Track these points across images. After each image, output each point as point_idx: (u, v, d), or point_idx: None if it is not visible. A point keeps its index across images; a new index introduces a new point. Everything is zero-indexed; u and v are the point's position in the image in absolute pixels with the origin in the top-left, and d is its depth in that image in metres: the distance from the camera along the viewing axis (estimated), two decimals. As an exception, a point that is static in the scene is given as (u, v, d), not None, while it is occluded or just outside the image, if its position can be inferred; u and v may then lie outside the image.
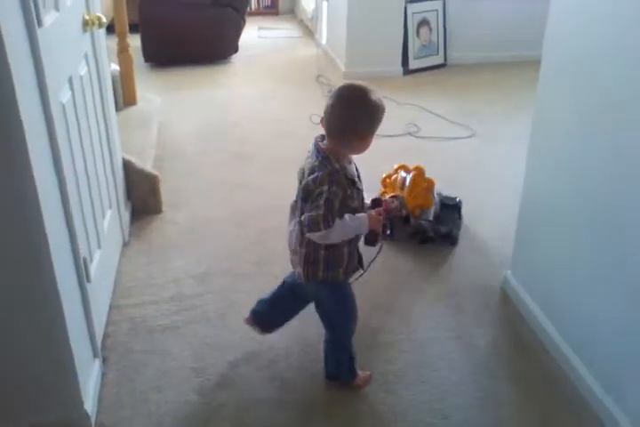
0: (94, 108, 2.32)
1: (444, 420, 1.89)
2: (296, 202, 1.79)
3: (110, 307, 2.35)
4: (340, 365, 1.99)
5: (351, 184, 1.73)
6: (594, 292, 1.91)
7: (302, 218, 1.71)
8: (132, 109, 3.99)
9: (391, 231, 1.99)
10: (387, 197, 1.97)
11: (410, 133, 4.08)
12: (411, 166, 2.85)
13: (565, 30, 2.01)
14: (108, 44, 2.71)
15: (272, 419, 1.90)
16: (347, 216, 1.72)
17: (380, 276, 2.59)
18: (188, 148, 3.89)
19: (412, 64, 5.46)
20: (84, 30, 2.23)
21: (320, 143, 1.73)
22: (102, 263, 2.23)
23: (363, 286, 2.49)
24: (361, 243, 1.88)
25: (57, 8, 1.83)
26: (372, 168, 3.01)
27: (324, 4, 6.10)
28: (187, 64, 5.62)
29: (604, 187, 1.82)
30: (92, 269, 2.04)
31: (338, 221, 1.69)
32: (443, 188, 3.02)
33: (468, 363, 2.12)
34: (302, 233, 1.75)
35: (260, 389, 2.01)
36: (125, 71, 4.03)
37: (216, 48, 5.75)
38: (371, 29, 5.18)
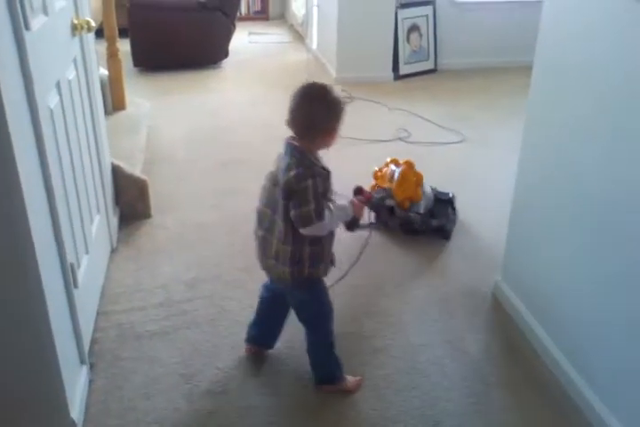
0: (83, 113, 2.30)
1: (436, 426, 1.88)
2: (265, 206, 1.84)
3: (98, 313, 2.33)
4: (328, 367, 2.01)
5: (327, 177, 1.79)
6: (585, 297, 1.91)
7: (292, 215, 1.74)
8: (121, 114, 3.97)
9: (376, 220, 2.13)
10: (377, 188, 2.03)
11: (400, 139, 4.08)
12: (401, 161, 2.89)
13: (557, 36, 2.01)
14: (97, 48, 2.69)
15: (263, 425, 1.88)
16: (332, 206, 1.80)
17: (370, 281, 2.58)
18: (178, 153, 3.88)
19: (403, 69, 5.47)
20: (73, 34, 2.22)
21: (293, 142, 1.79)
22: (90, 269, 2.21)
23: (353, 292, 2.50)
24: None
25: (45, 12, 1.82)
26: (363, 174, 3.01)
27: (315, 10, 6.10)
28: (176, 69, 5.60)
29: (597, 192, 1.82)
30: (80, 274, 2.02)
31: (326, 211, 1.76)
32: (433, 193, 3.02)
33: (460, 369, 2.11)
34: (286, 233, 1.78)
35: (250, 395, 1.99)
36: (114, 76, 4.01)
37: (206, 53, 5.74)
38: (361, 35, 5.18)
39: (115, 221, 2.84)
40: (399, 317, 2.37)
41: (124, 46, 4.66)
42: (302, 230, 1.75)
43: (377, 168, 2.95)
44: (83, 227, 2.15)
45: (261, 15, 8.06)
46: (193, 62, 5.70)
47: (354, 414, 1.92)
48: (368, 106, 4.72)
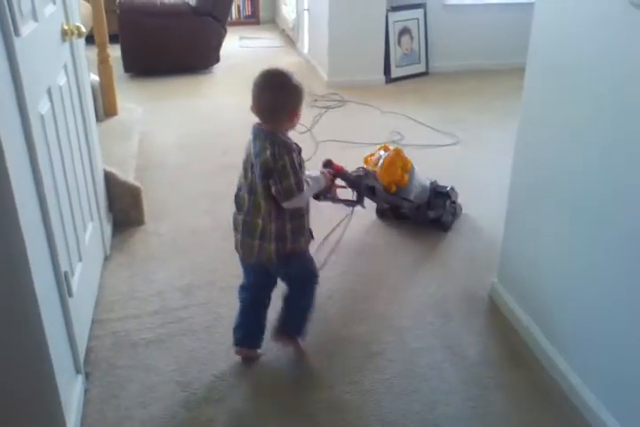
0: (74, 120, 2.28)
1: (436, 431, 1.87)
2: (244, 192, 1.97)
3: (93, 321, 2.31)
4: (301, 322, 2.12)
5: (300, 152, 1.93)
6: (583, 299, 1.90)
7: (274, 191, 1.87)
8: (112, 120, 3.95)
9: (358, 198, 2.50)
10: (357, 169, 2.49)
11: (393, 141, 4.06)
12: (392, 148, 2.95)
13: (550, 38, 2.01)
14: (87, 54, 2.68)
15: (260, 433, 1.87)
16: (306, 177, 1.96)
17: (366, 286, 2.57)
18: (171, 158, 3.86)
19: (395, 72, 5.47)
20: (64, 40, 2.20)
21: (262, 127, 1.92)
22: (84, 277, 2.19)
23: (350, 296, 2.49)
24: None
25: (35, 18, 1.80)
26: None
27: (305, 14, 6.10)
28: (168, 74, 5.59)
29: (593, 193, 1.82)
30: (74, 282, 2.00)
31: (304, 183, 1.91)
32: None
33: (459, 372, 2.10)
34: (270, 211, 1.91)
35: (248, 402, 1.97)
36: (106, 81, 3.99)
37: (197, 58, 5.73)
38: (352, 38, 5.18)
39: (108, 228, 2.82)
40: (396, 321, 2.35)
41: (115, 52, 4.64)
42: (285, 204, 1.89)
43: (368, 153, 3.00)
44: (76, 234, 2.13)
45: (252, 20, 8.05)
46: (184, 67, 5.69)
47: (354, 418, 1.91)
48: (360, 109, 4.71)
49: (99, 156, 2.76)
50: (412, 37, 5.55)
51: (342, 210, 3.08)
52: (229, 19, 6.38)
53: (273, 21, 8.05)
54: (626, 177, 1.66)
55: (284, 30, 7.39)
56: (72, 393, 1.86)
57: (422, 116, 4.49)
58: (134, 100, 4.65)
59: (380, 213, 3.12)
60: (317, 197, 2.21)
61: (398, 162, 2.80)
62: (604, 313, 1.80)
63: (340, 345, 2.22)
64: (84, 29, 2.32)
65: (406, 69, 5.55)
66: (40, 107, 1.78)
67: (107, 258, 2.73)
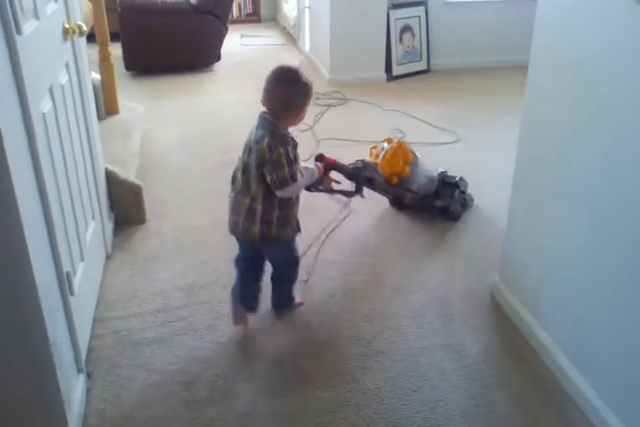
0: (76, 118, 2.28)
1: (438, 430, 1.87)
2: (239, 172, 2.10)
3: (94, 320, 2.31)
4: (289, 296, 2.34)
5: (296, 146, 2.05)
6: (584, 296, 1.90)
7: (269, 180, 2.00)
8: (114, 119, 3.94)
9: (357, 188, 2.63)
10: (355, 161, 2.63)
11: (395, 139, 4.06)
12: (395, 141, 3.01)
13: (554, 35, 2.00)
14: (88, 53, 2.67)
15: (263, 432, 1.87)
16: (301, 169, 2.08)
17: (367, 285, 2.57)
18: (172, 156, 3.85)
19: (396, 70, 5.46)
20: (65, 39, 2.20)
21: (267, 116, 2.03)
22: (86, 276, 2.18)
23: (350, 296, 2.48)
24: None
25: (37, 16, 1.80)
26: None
27: (307, 11, 6.08)
28: (169, 72, 5.58)
29: (596, 190, 1.81)
30: (76, 282, 2.00)
31: (298, 174, 2.04)
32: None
33: (460, 371, 2.09)
34: (260, 194, 2.04)
35: (250, 401, 1.97)
36: (107, 80, 3.98)
37: (198, 56, 5.72)
38: (354, 36, 5.16)
39: (110, 227, 2.82)
40: (397, 320, 2.35)
41: (116, 50, 4.63)
42: (279, 192, 2.02)
43: (373, 145, 3.04)
44: (78, 234, 2.12)
45: (253, 17, 8.03)
46: (185, 66, 5.68)
47: (356, 417, 1.90)
48: (362, 107, 4.71)
49: (100, 154, 2.76)
50: (414, 35, 5.53)
51: (342, 209, 3.09)
52: (230, 17, 6.37)
53: (274, 19, 8.03)
54: (628, 174, 1.65)
55: (285, 28, 7.38)
56: (74, 393, 1.86)
57: (424, 114, 4.49)
58: (135, 98, 4.64)
59: (393, 203, 3.18)
60: (309, 188, 2.32)
61: (400, 154, 2.84)
62: (608, 311, 1.79)
63: (341, 344, 2.22)
64: (85, 28, 2.31)
65: (408, 67, 5.54)
66: (42, 106, 1.78)
67: (108, 257, 2.72)
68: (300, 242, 2.59)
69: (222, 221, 2.63)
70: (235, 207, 2.14)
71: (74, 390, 1.87)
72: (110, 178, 2.88)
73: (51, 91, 1.91)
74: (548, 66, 2.03)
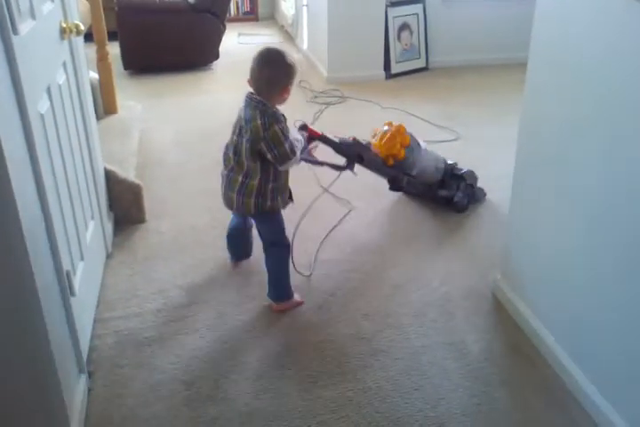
0: (74, 118, 2.27)
1: (440, 428, 1.86)
2: (230, 152, 2.24)
3: (95, 320, 2.30)
4: (284, 281, 2.38)
5: (285, 121, 2.16)
6: (586, 295, 1.89)
7: (270, 157, 2.13)
8: (112, 118, 3.94)
9: (348, 164, 2.69)
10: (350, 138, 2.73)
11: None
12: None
13: (553, 32, 1.99)
14: (86, 52, 2.66)
15: (264, 432, 1.86)
16: (292, 139, 2.19)
17: (367, 283, 2.56)
18: (171, 155, 3.85)
19: (395, 68, 5.46)
20: (62, 38, 2.19)
21: (255, 96, 2.15)
22: (86, 276, 2.18)
23: (351, 294, 2.48)
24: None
25: (33, 16, 1.79)
26: (360, 172, 2.99)
27: (304, 9, 6.07)
28: (167, 71, 5.57)
29: (596, 187, 1.81)
30: (76, 282, 1.99)
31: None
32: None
33: (462, 369, 2.09)
34: (254, 170, 2.17)
35: (252, 400, 1.96)
36: (105, 79, 3.97)
37: (196, 55, 5.71)
38: (352, 34, 5.16)
39: (109, 226, 2.81)
40: (399, 318, 2.34)
41: (114, 49, 4.62)
42: (282, 167, 2.18)
43: (374, 128, 3.07)
44: (77, 233, 2.12)
45: (251, 16, 8.02)
46: (183, 64, 5.67)
47: (357, 416, 1.90)
48: (360, 105, 4.70)
49: (99, 154, 2.75)
50: (412, 32, 5.53)
51: (344, 207, 3.08)
52: (228, 15, 6.36)
53: (272, 17, 8.02)
54: (630, 170, 1.65)
55: (282, 26, 7.37)
56: (75, 393, 1.86)
57: (422, 112, 4.48)
58: (134, 97, 4.63)
59: (390, 185, 3.18)
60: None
61: (398, 137, 2.89)
62: (609, 309, 1.79)
63: (342, 343, 2.21)
64: (82, 27, 2.30)
65: (406, 65, 5.53)
66: (40, 106, 1.77)
67: (108, 256, 2.72)
68: (301, 240, 2.60)
69: (221, 221, 2.65)
70: (228, 184, 2.26)
71: (75, 390, 1.86)
72: (109, 177, 2.88)
73: (48, 91, 1.90)
74: (548, 63, 2.03)
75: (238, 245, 2.63)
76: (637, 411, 1.70)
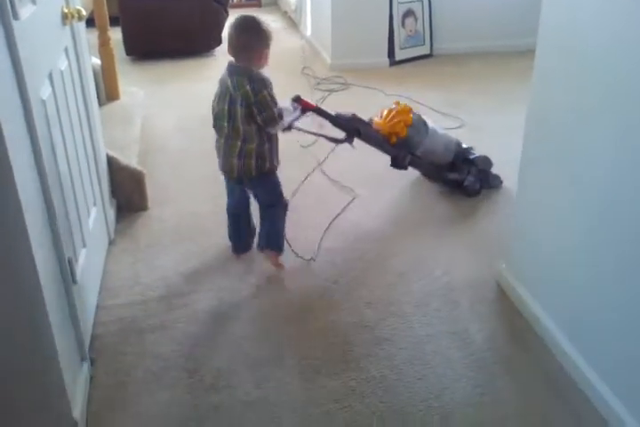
0: (76, 104, 2.25)
1: (443, 417, 1.85)
2: (222, 121, 2.29)
3: (97, 307, 2.30)
4: (279, 234, 2.48)
5: (272, 86, 2.27)
6: (592, 285, 1.88)
7: (259, 120, 2.24)
8: (114, 104, 3.92)
9: (347, 137, 2.69)
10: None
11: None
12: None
13: (561, 18, 1.96)
14: (88, 37, 2.64)
15: (268, 420, 1.86)
16: (281, 108, 2.31)
17: (371, 272, 2.55)
18: (173, 142, 3.83)
19: (399, 55, 5.41)
20: (64, 24, 2.17)
21: (237, 64, 2.26)
22: (88, 263, 2.17)
23: (354, 282, 2.47)
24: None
25: (34, 1, 1.77)
26: (360, 161, 2.99)
27: (308, -5, 6.03)
28: (169, 57, 5.54)
29: (604, 177, 1.79)
30: (78, 269, 1.98)
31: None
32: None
33: (466, 359, 2.08)
34: (251, 134, 2.26)
35: (254, 389, 1.96)
36: (107, 65, 3.95)
37: (199, 41, 5.67)
38: (356, 20, 5.11)
39: (111, 213, 2.80)
40: (402, 307, 2.33)
41: (116, 35, 4.60)
42: (269, 129, 2.28)
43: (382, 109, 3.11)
44: (79, 220, 2.11)
45: (254, 2, 7.96)
46: (186, 50, 5.64)
47: (360, 406, 1.90)
48: (364, 92, 4.67)
49: (101, 140, 2.73)
50: (417, 19, 5.48)
51: (347, 195, 3.07)
52: (231, 1, 6.31)
53: (275, 3, 7.96)
54: (634, 162, 1.63)
55: (286, 12, 7.31)
56: (77, 380, 1.85)
57: (427, 99, 4.44)
58: (136, 83, 4.60)
59: (392, 162, 3.13)
60: (290, 127, 2.41)
61: (402, 116, 2.94)
62: (615, 299, 1.78)
63: (345, 331, 2.21)
64: (84, 12, 2.28)
65: (410, 51, 5.48)
66: (41, 92, 1.75)
67: (110, 243, 2.71)
68: (304, 227, 2.59)
69: (223, 207, 2.64)
70: (227, 150, 2.33)
71: (77, 377, 1.86)
72: (112, 164, 2.86)
73: (50, 77, 1.88)
74: (556, 48, 2.00)
75: (241, 227, 2.59)
76: (637, 397, 1.70)
